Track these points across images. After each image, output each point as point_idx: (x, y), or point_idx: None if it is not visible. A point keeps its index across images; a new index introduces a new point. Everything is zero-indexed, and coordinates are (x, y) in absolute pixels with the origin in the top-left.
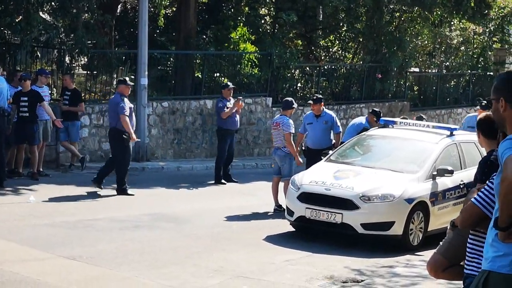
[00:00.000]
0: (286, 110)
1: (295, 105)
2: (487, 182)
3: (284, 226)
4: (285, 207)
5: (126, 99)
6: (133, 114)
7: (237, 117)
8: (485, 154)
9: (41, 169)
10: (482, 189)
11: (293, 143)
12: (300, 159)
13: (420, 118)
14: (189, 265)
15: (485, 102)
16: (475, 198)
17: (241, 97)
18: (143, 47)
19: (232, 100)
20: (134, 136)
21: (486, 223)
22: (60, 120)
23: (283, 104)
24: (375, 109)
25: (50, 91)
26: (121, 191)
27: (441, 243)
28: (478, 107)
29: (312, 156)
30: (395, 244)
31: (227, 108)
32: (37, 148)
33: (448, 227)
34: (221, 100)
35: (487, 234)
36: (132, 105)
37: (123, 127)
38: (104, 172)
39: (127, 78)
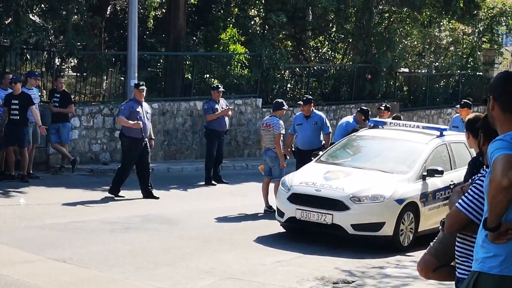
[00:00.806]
0: (276, 111)
1: (286, 107)
2: (470, 186)
3: (274, 227)
4: (275, 208)
5: (132, 102)
6: (145, 117)
7: (226, 118)
8: (474, 154)
9: (31, 171)
10: (467, 194)
11: (281, 144)
12: (285, 163)
13: (397, 118)
14: (180, 266)
15: (464, 101)
16: (459, 204)
17: (231, 107)
18: (133, 48)
19: (222, 101)
20: (135, 122)
21: (473, 226)
22: (45, 127)
23: (273, 105)
24: (363, 107)
25: (39, 93)
26: (113, 191)
27: (431, 243)
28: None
29: (302, 157)
30: (385, 245)
31: (213, 110)
32: (27, 150)
33: (440, 228)
34: (207, 101)
35: (477, 235)
36: (140, 110)
37: (125, 130)
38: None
39: (140, 82)
